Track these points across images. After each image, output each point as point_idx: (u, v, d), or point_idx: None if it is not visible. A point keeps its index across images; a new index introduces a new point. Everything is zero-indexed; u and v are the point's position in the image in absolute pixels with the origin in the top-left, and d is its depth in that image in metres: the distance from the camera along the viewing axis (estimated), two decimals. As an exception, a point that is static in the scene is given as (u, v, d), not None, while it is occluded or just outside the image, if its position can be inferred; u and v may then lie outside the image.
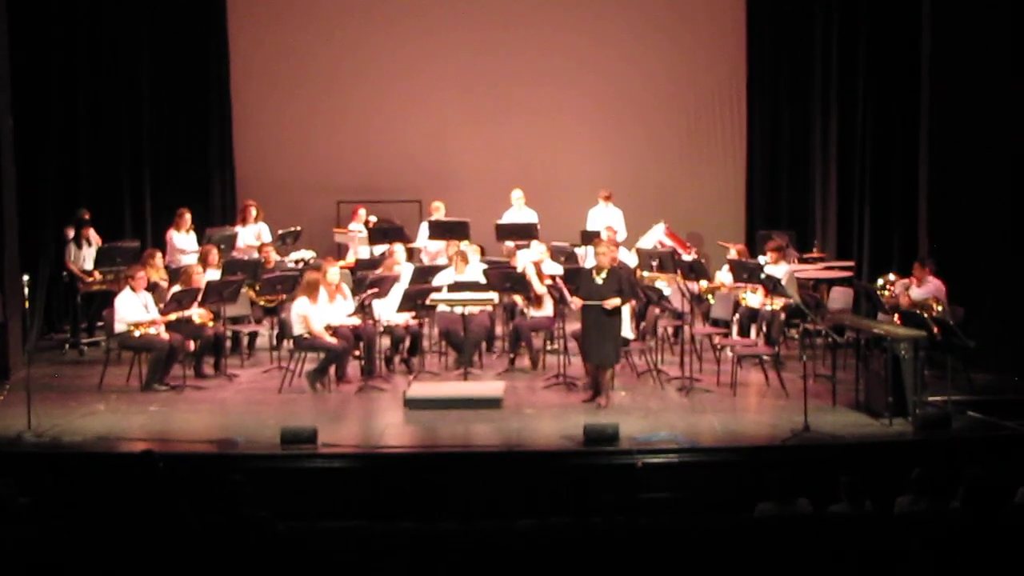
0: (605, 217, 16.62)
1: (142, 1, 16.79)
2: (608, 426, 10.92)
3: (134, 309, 13.07)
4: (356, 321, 13.28)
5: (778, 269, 13.93)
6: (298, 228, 16.43)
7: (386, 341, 13.89)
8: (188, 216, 15.64)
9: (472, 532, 7.61)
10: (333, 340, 13.02)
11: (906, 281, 13.66)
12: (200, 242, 15.37)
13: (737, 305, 14.07)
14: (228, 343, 14.09)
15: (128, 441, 11.13)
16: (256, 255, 15.41)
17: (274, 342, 14.41)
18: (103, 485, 8.96)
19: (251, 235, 16.06)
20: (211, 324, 13.51)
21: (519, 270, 13.92)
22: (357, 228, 16.69)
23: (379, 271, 14.02)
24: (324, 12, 17.95)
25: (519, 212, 16.59)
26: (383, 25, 17.89)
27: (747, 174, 17.80)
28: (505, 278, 13.80)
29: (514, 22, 17.89)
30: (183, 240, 15.51)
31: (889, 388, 11.46)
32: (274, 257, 15.21)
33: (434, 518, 8.46)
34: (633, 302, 13.13)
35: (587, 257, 15.89)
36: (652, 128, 18.00)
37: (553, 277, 13.41)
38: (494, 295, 13.79)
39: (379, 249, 15.86)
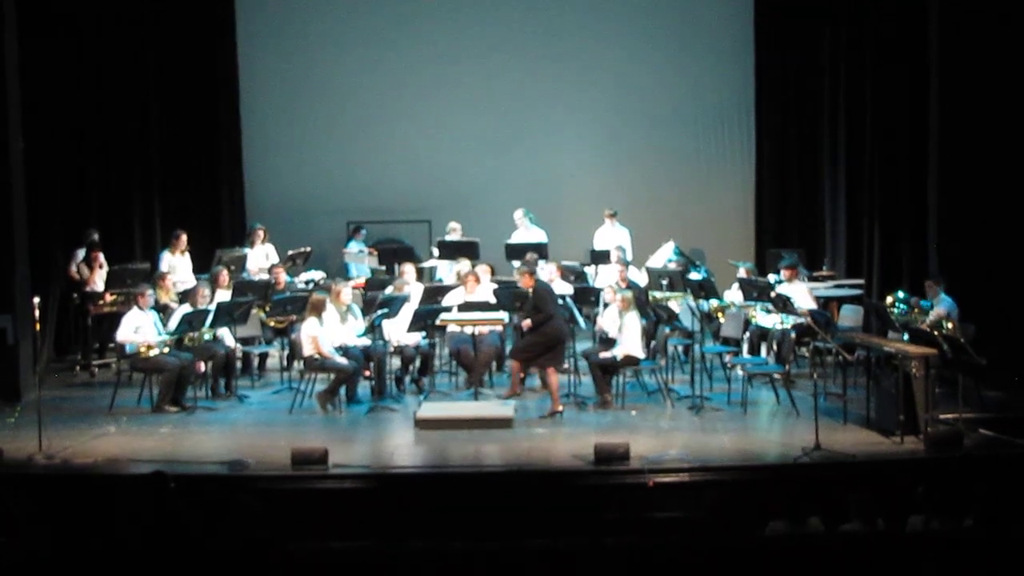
0: (612, 236, 16.61)
1: (151, 21, 16.83)
2: (619, 445, 10.91)
3: (141, 328, 13.08)
4: (367, 341, 13.29)
5: (793, 288, 13.91)
6: (308, 249, 16.45)
7: (396, 361, 13.90)
8: (184, 238, 15.67)
9: (483, 552, 7.59)
10: (343, 361, 13.03)
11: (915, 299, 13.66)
12: (209, 263, 15.38)
13: (747, 323, 14.05)
14: (239, 364, 14.10)
15: (139, 463, 11.13)
16: (266, 276, 15.43)
17: (285, 363, 14.42)
18: (114, 507, 8.96)
19: (261, 256, 16.09)
20: (205, 340, 13.44)
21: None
22: (357, 247, 16.77)
23: (389, 290, 14.04)
24: (334, 35, 17.99)
25: (528, 232, 16.59)
26: (392, 48, 17.92)
27: (756, 193, 17.79)
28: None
29: (524, 44, 17.93)
30: (172, 260, 15.51)
31: (900, 406, 11.44)
32: (284, 278, 15.22)
33: (445, 538, 8.44)
34: (641, 323, 13.18)
35: (597, 276, 15.91)
36: (662, 147, 18.00)
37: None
38: (504, 315, 13.79)
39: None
